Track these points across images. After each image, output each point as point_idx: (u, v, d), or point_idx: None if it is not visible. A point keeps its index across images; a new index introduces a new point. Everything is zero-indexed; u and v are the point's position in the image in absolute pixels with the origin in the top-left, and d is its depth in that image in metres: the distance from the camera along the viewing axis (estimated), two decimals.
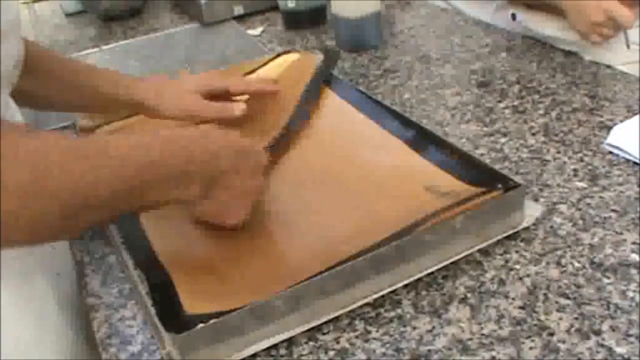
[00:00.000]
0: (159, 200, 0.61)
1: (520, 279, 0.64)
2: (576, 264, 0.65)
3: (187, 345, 0.56)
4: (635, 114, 0.87)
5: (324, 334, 0.61)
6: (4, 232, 0.50)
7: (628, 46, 1.03)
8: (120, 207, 0.58)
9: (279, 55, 1.11)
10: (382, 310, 0.63)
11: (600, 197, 0.74)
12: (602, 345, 0.56)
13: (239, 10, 1.48)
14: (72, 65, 0.89)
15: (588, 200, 0.73)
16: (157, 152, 0.60)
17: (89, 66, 0.90)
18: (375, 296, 0.63)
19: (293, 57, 1.08)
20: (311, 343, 0.60)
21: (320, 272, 0.60)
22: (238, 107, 0.88)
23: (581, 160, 0.81)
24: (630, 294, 0.60)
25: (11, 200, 0.49)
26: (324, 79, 0.99)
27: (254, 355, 0.59)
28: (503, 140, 0.87)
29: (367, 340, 0.60)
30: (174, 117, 0.87)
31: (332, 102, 0.94)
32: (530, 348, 0.56)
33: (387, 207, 0.71)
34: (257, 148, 0.70)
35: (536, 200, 0.75)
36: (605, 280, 0.62)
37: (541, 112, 0.92)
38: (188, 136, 0.64)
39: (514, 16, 1.19)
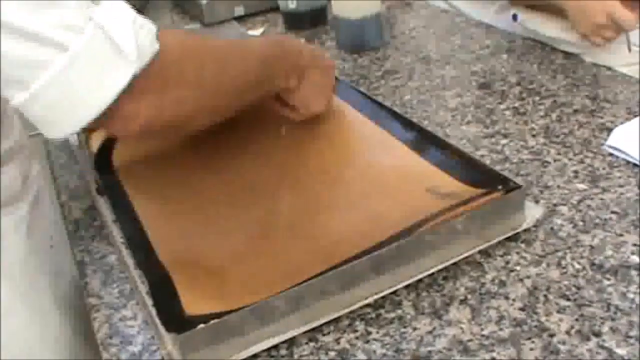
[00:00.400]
0: (272, 89, 0.76)
1: (521, 280, 0.64)
2: (576, 266, 0.65)
3: (188, 345, 0.56)
4: (635, 116, 0.87)
5: (324, 334, 0.61)
6: (178, 116, 0.59)
7: (630, 49, 1.03)
8: (252, 93, 0.72)
9: None
10: (382, 311, 0.63)
11: (601, 198, 0.74)
12: (603, 347, 0.56)
13: (239, 10, 1.48)
14: None
15: (588, 202, 0.74)
16: (279, 49, 0.75)
17: None
18: (375, 297, 0.63)
19: None
20: (311, 344, 0.60)
21: (321, 273, 0.60)
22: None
23: (582, 161, 0.81)
24: (631, 296, 0.61)
25: (189, 87, 0.59)
26: None
27: (255, 355, 0.59)
28: (504, 141, 0.87)
29: (367, 341, 0.60)
30: None
31: (333, 104, 0.94)
32: (531, 349, 0.57)
33: (387, 208, 0.71)
34: (323, 52, 0.82)
35: (537, 201, 0.75)
36: (606, 282, 0.63)
37: (542, 113, 0.92)
38: (280, 40, 0.79)
39: (515, 17, 1.19)
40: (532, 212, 0.70)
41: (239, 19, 1.48)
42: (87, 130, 0.95)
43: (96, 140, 0.93)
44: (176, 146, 0.87)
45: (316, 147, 0.85)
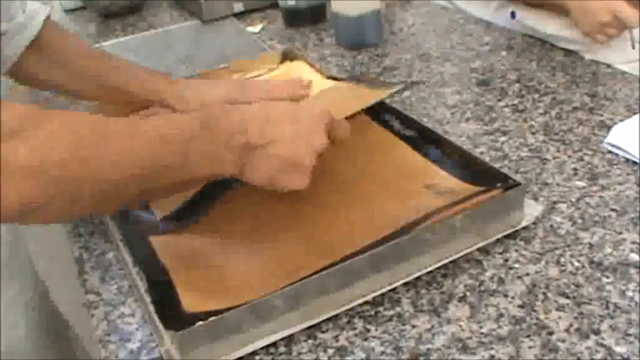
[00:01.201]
0: (191, 178, 0.61)
1: (520, 278, 0.64)
2: (575, 263, 0.65)
3: (186, 342, 0.56)
4: (635, 113, 0.87)
5: (323, 332, 0.61)
6: (42, 210, 0.50)
7: (633, 46, 1.03)
8: (153, 184, 0.58)
9: (284, 57, 1.10)
10: (381, 308, 0.63)
11: (600, 196, 0.74)
12: (601, 345, 0.56)
13: (238, 7, 1.48)
14: (98, 57, 0.91)
15: (587, 200, 0.73)
16: (199, 128, 0.60)
17: (115, 61, 0.92)
18: (374, 294, 0.63)
19: (298, 65, 1.07)
20: (310, 341, 0.60)
21: (320, 270, 0.60)
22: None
23: (581, 159, 0.81)
24: (630, 294, 0.60)
25: (54, 172, 0.49)
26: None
27: (253, 353, 0.59)
28: (503, 139, 0.87)
29: (366, 339, 0.60)
30: None
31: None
32: (530, 347, 0.56)
33: (386, 206, 0.71)
34: (306, 108, 0.67)
35: (536, 199, 0.74)
36: (605, 280, 0.63)
37: (541, 111, 0.92)
38: (209, 115, 0.63)
39: (513, 14, 1.18)
40: (531, 209, 0.70)
41: (238, 15, 1.48)
42: None
43: None
44: None
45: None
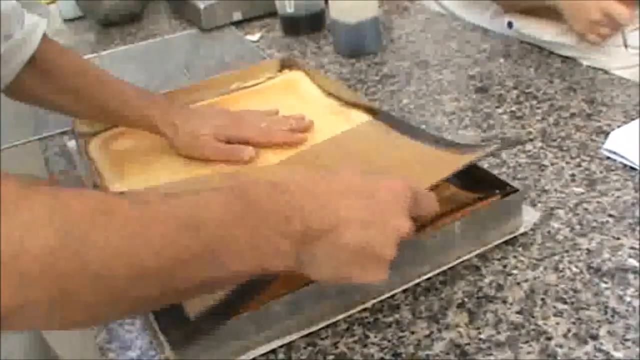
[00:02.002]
0: (228, 275, 0.47)
1: (518, 284, 0.64)
2: (574, 269, 0.65)
3: (186, 350, 0.56)
4: (632, 119, 0.87)
5: (322, 338, 0.61)
6: (21, 315, 0.38)
7: (626, 46, 1.03)
8: (175, 283, 0.44)
9: (282, 65, 1.10)
10: (380, 315, 0.63)
11: (598, 202, 0.74)
12: (600, 350, 0.56)
13: (237, 15, 1.49)
14: (94, 77, 0.88)
15: (585, 205, 0.74)
16: (240, 206, 0.47)
17: (111, 82, 0.89)
18: (373, 301, 0.63)
19: (297, 75, 1.07)
20: (310, 348, 0.60)
21: None
22: (246, 152, 0.86)
23: (579, 165, 0.81)
24: (628, 299, 0.61)
25: (33, 268, 0.37)
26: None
27: None
28: None
29: (365, 345, 0.60)
30: (185, 155, 0.88)
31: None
32: (528, 353, 0.57)
33: None
34: (381, 179, 0.54)
35: (534, 205, 0.75)
36: (603, 285, 0.63)
37: (539, 117, 0.93)
38: (246, 189, 0.49)
39: (510, 24, 1.19)
40: (530, 216, 0.71)
41: (237, 24, 1.48)
42: (86, 136, 0.95)
43: (94, 146, 0.94)
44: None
45: (322, 148, 0.85)
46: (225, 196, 0.47)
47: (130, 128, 0.93)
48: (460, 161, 0.70)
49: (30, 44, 0.82)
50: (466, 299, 0.63)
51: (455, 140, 0.83)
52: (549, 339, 0.58)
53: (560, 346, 0.57)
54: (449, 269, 0.66)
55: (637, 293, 0.61)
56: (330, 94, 1.00)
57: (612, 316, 0.59)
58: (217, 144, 0.87)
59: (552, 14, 1.08)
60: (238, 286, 0.57)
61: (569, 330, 0.58)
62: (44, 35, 0.84)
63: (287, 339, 0.60)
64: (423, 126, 0.93)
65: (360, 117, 0.91)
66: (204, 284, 0.46)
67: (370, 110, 0.91)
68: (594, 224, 0.71)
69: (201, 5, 1.46)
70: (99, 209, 0.41)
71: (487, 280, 0.65)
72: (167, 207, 0.44)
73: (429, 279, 0.65)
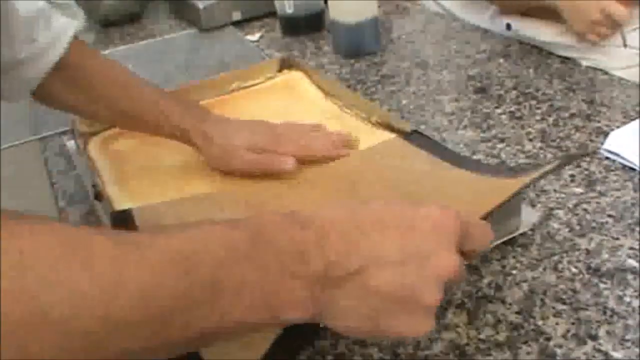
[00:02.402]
0: (234, 325, 0.40)
1: (517, 284, 0.64)
2: (573, 269, 0.65)
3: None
4: (632, 120, 0.87)
5: (321, 339, 0.61)
6: None
7: (625, 46, 1.04)
8: (161, 336, 0.37)
9: (282, 65, 1.10)
10: None
11: (597, 202, 0.74)
12: (599, 350, 0.56)
13: (237, 15, 1.49)
14: (124, 82, 0.83)
15: (585, 206, 0.74)
16: (249, 244, 0.41)
17: (142, 87, 0.84)
18: None
19: (297, 75, 1.07)
20: (309, 348, 0.60)
21: None
22: (287, 161, 0.78)
23: (578, 165, 0.81)
24: (627, 299, 0.61)
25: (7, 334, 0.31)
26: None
27: None
28: (500, 145, 0.87)
29: (364, 346, 0.60)
30: (216, 167, 0.83)
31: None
32: (527, 353, 0.57)
33: None
34: (421, 209, 0.45)
35: (533, 205, 0.75)
36: (602, 286, 0.63)
37: (538, 117, 0.93)
38: (273, 222, 0.43)
39: (508, 26, 1.19)
40: (529, 216, 0.71)
41: (237, 24, 1.49)
42: (86, 136, 0.95)
43: (94, 146, 0.94)
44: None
45: (344, 160, 0.84)
46: (230, 230, 0.41)
47: (160, 137, 0.86)
48: (516, 184, 0.62)
49: (57, 48, 0.78)
50: (465, 299, 0.63)
51: (493, 164, 0.80)
52: (548, 339, 0.58)
53: (560, 346, 0.57)
54: None
55: (636, 293, 0.61)
56: (329, 95, 1.00)
57: (611, 316, 0.59)
58: (251, 155, 0.80)
59: (551, 15, 1.08)
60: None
61: (568, 331, 0.58)
62: (74, 38, 0.80)
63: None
64: (423, 126, 0.93)
65: (357, 124, 0.91)
66: (206, 335, 0.39)
67: (393, 129, 0.86)
68: (593, 225, 0.71)
69: (201, 5, 1.46)
70: (66, 245, 0.34)
71: (486, 281, 0.65)
72: (156, 245, 0.38)
73: None
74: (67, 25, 0.79)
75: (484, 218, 0.54)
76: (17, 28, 0.73)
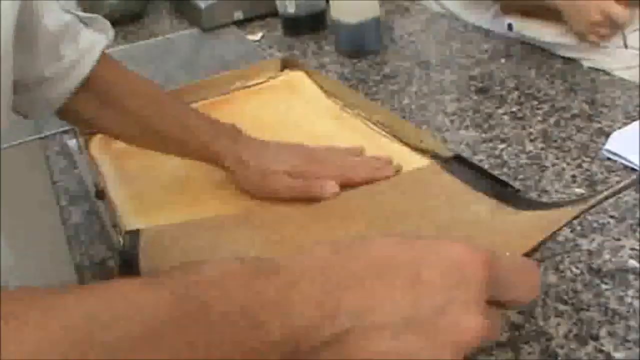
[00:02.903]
0: None
1: None
2: (574, 270, 0.65)
3: None
4: (633, 120, 0.87)
5: None
6: None
7: (626, 46, 1.04)
8: None
9: (283, 65, 1.10)
10: None
11: None
12: (600, 351, 0.56)
13: (238, 15, 1.49)
14: (155, 101, 0.80)
15: None
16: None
17: (174, 106, 0.81)
18: None
19: (298, 76, 1.07)
20: None
21: None
22: (328, 186, 0.73)
23: (580, 166, 0.81)
24: (629, 300, 0.61)
25: None
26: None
27: None
28: (502, 146, 0.87)
29: None
30: (252, 192, 0.77)
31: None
32: (529, 353, 0.57)
33: None
34: (435, 245, 0.36)
35: None
36: (604, 286, 0.63)
37: (540, 118, 0.93)
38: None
39: (510, 26, 1.19)
40: None
41: (238, 23, 1.48)
42: (87, 135, 0.96)
43: (95, 145, 0.94)
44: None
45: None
46: (154, 292, 0.32)
47: (187, 158, 0.82)
48: (564, 215, 0.56)
49: (84, 65, 0.74)
50: None
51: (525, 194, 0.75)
52: (550, 339, 0.58)
53: (561, 347, 0.57)
54: None
55: (637, 294, 0.61)
56: (331, 95, 1.00)
57: (613, 317, 0.59)
58: (290, 180, 0.75)
59: (552, 15, 1.08)
60: None
61: (569, 331, 0.58)
62: (104, 54, 0.77)
63: None
64: (425, 126, 0.93)
65: (358, 125, 0.91)
66: None
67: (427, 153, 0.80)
68: (595, 225, 0.71)
69: (202, 5, 1.46)
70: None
71: None
72: (55, 309, 0.30)
73: None
74: (95, 41, 0.76)
75: (528, 255, 0.46)
76: (43, 45, 0.70)
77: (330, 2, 1.22)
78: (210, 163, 0.79)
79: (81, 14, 0.77)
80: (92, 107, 0.77)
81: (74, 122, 0.83)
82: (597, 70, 1.05)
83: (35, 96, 0.73)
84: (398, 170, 0.77)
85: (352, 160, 0.80)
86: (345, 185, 0.74)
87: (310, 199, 0.73)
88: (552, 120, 0.92)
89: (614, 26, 1.02)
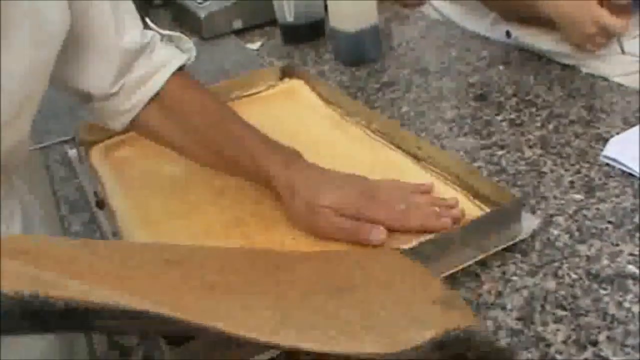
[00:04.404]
0: None
1: (518, 290, 0.64)
2: (573, 275, 0.65)
3: (187, 357, 0.56)
4: (632, 126, 0.87)
5: None
6: None
7: (623, 51, 1.04)
8: None
9: (283, 74, 1.11)
10: None
11: (597, 208, 0.74)
12: (599, 356, 0.56)
13: (237, 24, 1.49)
14: (219, 121, 0.79)
15: (585, 212, 0.74)
16: None
17: (237, 126, 0.79)
18: None
19: (297, 84, 1.08)
20: (310, 354, 0.60)
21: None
22: (376, 233, 0.69)
23: (578, 172, 0.81)
24: (627, 305, 0.61)
25: None
26: None
27: None
28: (500, 152, 0.87)
29: None
30: (298, 224, 0.74)
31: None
32: (528, 359, 0.57)
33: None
34: None
35: (533, 212, 0.75)
36: (602, 292, 0.63)
37: (538, 124, 0.93)
38: None
39: (508, 33, 1.20)
40: (529, 222, 0.71)
41: (238, 32, 1.49)
42: (87, 144, 0.96)
43: (96, 154, 0.94)
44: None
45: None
46: None
47: (243, 178, 0.81)
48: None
49: (156, 81, 0.78)
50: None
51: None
52: (549, 345, 0.58)
53: (560, 352, 0.57)
54: (449, 275, 0.66)
55: (636, 299, 0.61)
56: (330, 103, 1.00)
57: (612, 322, 0.59)
58: (338, 219, 0.70)
59: (550, 23, 1.08)
60: None
61: (568, 337, 0.58)
62: (178, 71, 0.80)
63: (288, 347, 0.60)
64: (423, 134, 0.94)
65: (357, 133, 0.91)
66: None
67: None
68: (593, 231, 0.71)
69: (202, 14, 1.46)
70: None
71: (486, 287, 0.65)
72: None
73: None
74: (169, 58, 0.79)
75: None
76: (116, 62, 0.75)
77: (329, 10, 1.22)
78: (263, 185, 0.77)
79: (163, 32, 0.81)
80: (161, 121, 0.79)
81: (142, 133, 0.84)
82: (595, 76, 1.05)
83: (106, 107, 0.77)
84: (458, 218, 0.71)
85: (412, 202, 0.73)
86: (397, 231, 0.70)
87: (358, 243, 0.69)
88: (550, 126, 0.92)
89: (610, 37, 1.02)
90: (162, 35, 0.81)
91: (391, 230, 0.69)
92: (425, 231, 0.69)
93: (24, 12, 0.61)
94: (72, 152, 0.99)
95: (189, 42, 0.84)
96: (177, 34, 0.83)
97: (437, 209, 0.71)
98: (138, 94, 0.77)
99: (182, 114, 0.79)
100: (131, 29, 0.76)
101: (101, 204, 0.83)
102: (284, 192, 0.74)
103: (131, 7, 0.77)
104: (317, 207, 0.71)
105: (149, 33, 0.78)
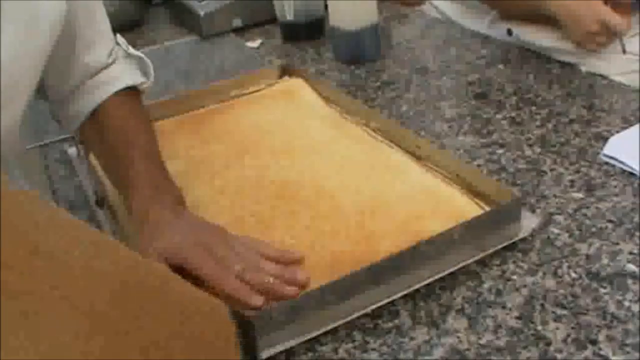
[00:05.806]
0: None
1: (517, 289, 0.64)
2: (573, 274, 0.65)
3: None
4: (631, 125, 0.87)
5: (322, 344, 0.61)
6: None
7: (624, 51, 1.04)
8: None
9: (282, 72, 1.11)
10: (380, 321, 0.63)
11: (597, 207, 0.74)
12: (599, 355, 0.56)
13: (237, 23, 1.49)
14: (121, 144, 0.78)
15: (584, 211, 0.74)
16: None
17: (133, 153, 0.77)
18: (373, 307, 0.63)
19: (297, 82, 1.08)
20: (310, 354, 0.61)
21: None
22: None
23: (578, 171, 0.81)
24: (627, 304, 0.61)
25: None
26: None
27: None
28: (500, 151, 0.87)
29: (365, 351, 0.60)
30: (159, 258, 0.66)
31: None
32: (527, 358, 0.57)
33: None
34: None
35: (533, 211, 0.75)
36: (602, 290, 0.63)
37: (538, 123, 0.93)
38: None
39: (509, 32, 1.19)
40: (529, 221, 0.71)
41: (237, 31, 1.49)
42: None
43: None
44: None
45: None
46: None
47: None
48: None
49: (97, 95, 0.81)
50: (466, 305, 0.63)
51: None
52: (548, 344, 0.58)
53: (560, 351, 0.57)
54: (449, 274, 0.66)
55: (636, 298, 0.61)
56: (329, 101, 1.00)
57: (611, 321, 0.59)
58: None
59: (551, 20, 1.08)
60: None
61: (568, 335, 0.58)
62: (126, 90, 0.82)
63: (288, 345, 0.60)
64: (423, 132, 0.94)
65: (356, 132, 0.91)
66: None
67: None
68: (593, 230, 0.71)
69: (201, 12, 1.46)
70: None
71: (486, 286, 0.65)
72: None
73: (428, 284, 0.66)
74: (120, 75, 0.82)
75: None
76: (75, 76, 0.80)
77: (329, 9, 1.22)
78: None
79: (129, 50, 0.85)
80: (93, 138, 0.83)
81: (88, 149, 0.88)
82: (595, 75, 1.05)
83: (63, 110, 0.83)
84: (283, 297, 0.63)
85: (255, 261, 0.66)
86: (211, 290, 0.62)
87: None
88: (550, 125, 0.92)
89: (611, 35, 1.02)
90: (127, 53, 0.85)
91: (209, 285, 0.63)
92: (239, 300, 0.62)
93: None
94: (72, 151, 0.99)
95: (149, 67, 0.87)
96: (140, 55, 0.86)
97: (271, 280, 0.64)
98: (81, 104, 0.82)
99: (105, 135, 0.80)
100: (101, 49, 0.81)
101: (101, 202, 0.83)
102: (138, 227, 0.70)
103: (106, 26, 0.83)
104: (145, 252, 0.65)
105: (116, 51, 0.83)
